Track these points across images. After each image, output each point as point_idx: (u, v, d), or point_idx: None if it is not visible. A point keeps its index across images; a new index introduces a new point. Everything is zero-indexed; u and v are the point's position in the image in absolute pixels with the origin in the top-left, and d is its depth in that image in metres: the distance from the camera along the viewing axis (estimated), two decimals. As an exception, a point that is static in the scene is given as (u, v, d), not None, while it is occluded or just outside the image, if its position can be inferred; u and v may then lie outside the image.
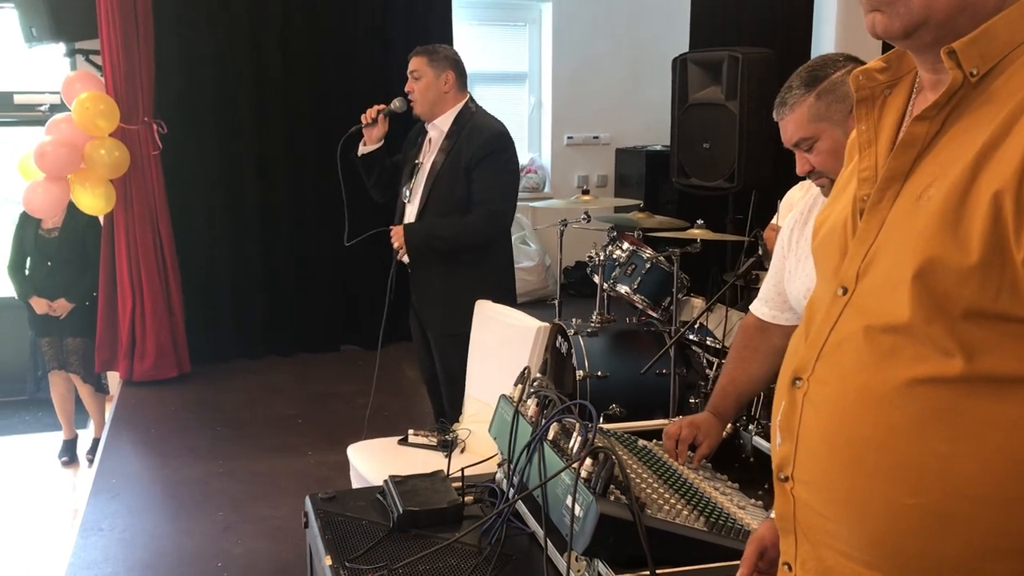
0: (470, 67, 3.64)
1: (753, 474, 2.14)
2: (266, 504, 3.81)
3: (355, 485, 3.07)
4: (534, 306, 6.16)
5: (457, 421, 3.22)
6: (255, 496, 3.89)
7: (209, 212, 5.55)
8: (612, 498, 1.63)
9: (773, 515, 1.46)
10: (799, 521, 1.14)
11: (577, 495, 1.63)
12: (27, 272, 5.03)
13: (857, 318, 1.07)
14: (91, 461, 4.91)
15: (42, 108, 5.72)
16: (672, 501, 1.78)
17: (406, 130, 3.69)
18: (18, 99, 5.92)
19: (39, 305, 4.95)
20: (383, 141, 3.58)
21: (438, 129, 3.48)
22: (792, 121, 1.96)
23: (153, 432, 4.64)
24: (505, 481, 2.06)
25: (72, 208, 4.98)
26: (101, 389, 5.26)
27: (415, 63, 3.47)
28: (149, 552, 3.45)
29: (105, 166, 4.87)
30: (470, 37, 6.77)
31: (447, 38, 5.82)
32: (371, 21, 5.78)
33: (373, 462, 2.98)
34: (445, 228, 3.40)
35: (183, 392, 5.16)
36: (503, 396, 2.15)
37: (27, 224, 5.01)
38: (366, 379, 5.32)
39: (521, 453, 1.91)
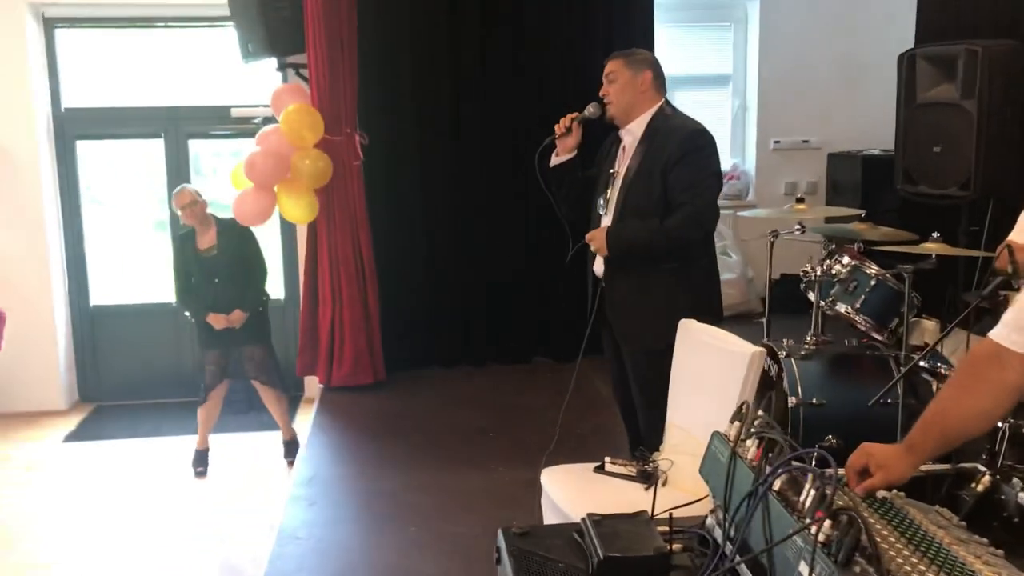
0: (670, 70, 3.48)
1: (1019, 537, 1.80)
2: (457, 522, 3.73)
3: (546, 511, 2.92)
4: (734, 322, 5.76)
5: (656, 449, 2.99)
6: (446, 512, 3.82)
7: (407, 222, 5.60)
8: (858, 569, 1.36)
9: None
10: None
11: (815, 564, 1.38)
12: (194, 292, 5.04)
13: None
14: (290, 463, 5.02)
15: (256, 120, 5.96)
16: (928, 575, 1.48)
17: (600, 142, 3.54)
18: (235, 112, 6.22)
19: (218, 321, 4.94)
20: (576, 151, 3.44)
21: (632, 135, 3.33)
22: None
23: (349, 439, 4.70)
24: (718, 530, 1.82)
25: (221, 225, 5.01)
26: (285, 391, 5.24)
27: (611, 65, 3.34)
28: (343, 564, 3.44)
29: (309, 176, 4.99)
30: (671, 38, 6.52)
31: (648, 41, 5.61)
32: (572, 27, 5.66)
33: (568, 490, 2.81)
34: (643, 229, 3.23)
35: (378, 399, 5.21)
36: (716, 433, 1.92)
37: (186, 247, 5.03)
38: (558, 393, 5.18)
39: (741, 503, 1.67)
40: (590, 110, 3.40)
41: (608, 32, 5.62)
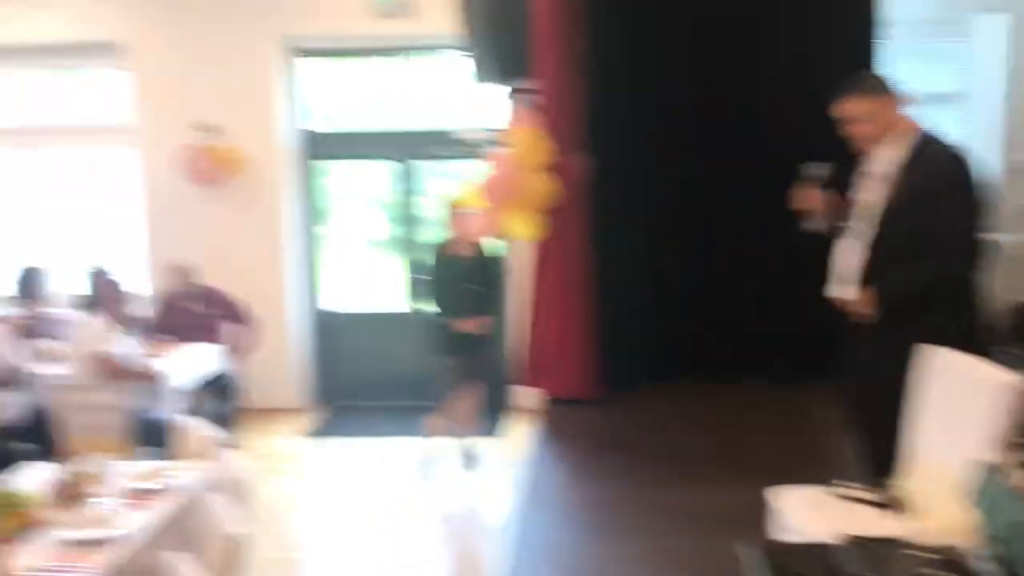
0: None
1: None
2: (682, 537, 3.77)
3: (778, 531, 2.92)
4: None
5: (893, 476, 2.93)
6: (670, 527, 3.87)
7: (629, 242, 5.66)
8: None
9: None
10: None
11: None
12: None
13: None
14: (474, 470, 5.32)
15: (480, 143, 6.30)
16: None
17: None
18: (460, 135, 6.63)
19: (471, 325, 5.25)
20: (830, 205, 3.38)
21: (885, 162, 3.20)
22: None
23: (573, 450, 4.85)
24: (988, 564, 1.81)
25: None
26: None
27: (852, 108, 3.20)
28: (574, 572, 3.57)
29: (539, 196, 5.20)
30: (899, 55, 6.26)
31: (873, 58, 5.44)
32: (796, 46, 5.56)
33: (804, 512, 2.80)
34: (912, 280, 3.08)
35: (601, 414, 5.32)
36: (992, 465, 1.89)
37: (445, 253, 5.38)
38: (776, 416, 5.15)
39: None
40: (819, 172, 3.35)
41: (831, 52, 5.46)
